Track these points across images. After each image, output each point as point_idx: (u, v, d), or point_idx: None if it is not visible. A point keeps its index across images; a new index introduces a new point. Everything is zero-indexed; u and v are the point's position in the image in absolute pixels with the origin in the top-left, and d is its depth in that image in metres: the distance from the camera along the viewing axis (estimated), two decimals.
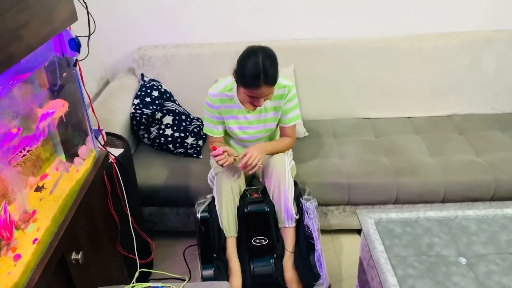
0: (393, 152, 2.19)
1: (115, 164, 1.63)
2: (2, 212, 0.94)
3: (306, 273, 1.70)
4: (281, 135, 1.91)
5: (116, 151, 1.73)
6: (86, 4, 1.26)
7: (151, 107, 2.25)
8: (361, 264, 1.64)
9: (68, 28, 1.23)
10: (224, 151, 1.69)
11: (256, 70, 1.59)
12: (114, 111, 2.15)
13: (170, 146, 2.23)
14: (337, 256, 2.11)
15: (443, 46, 2.39)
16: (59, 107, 1.24)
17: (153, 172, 2.11)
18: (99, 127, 1.56)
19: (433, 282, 1.31)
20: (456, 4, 2.40)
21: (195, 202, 2.01)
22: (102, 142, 1.59)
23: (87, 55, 1.37)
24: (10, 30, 0.92)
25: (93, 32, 1.33)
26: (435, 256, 1.41)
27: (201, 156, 2.25)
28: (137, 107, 2.25)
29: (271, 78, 1.61)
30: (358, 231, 2.22)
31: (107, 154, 1.52)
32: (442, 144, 2.23)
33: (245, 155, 1.69)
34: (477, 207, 1.62)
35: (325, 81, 2.46)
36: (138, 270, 1.50)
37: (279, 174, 1.74)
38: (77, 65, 1.31)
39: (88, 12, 1.28)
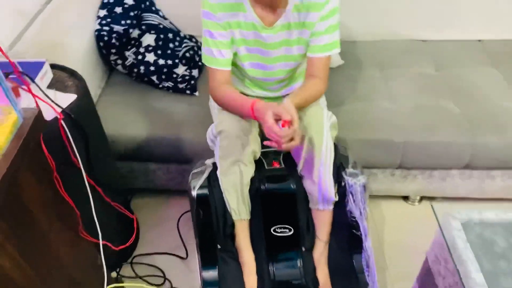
0: (463, 94, 1.58)
1: (62, 122, 1.04)
2: None
3: (343, 276, 1.21)
4: (308, 73, 1.23)
5: (66, 98, 1.12)
6: None
7: (123, 22, 1.57)
8: (428, 273, 1.14)
9: None
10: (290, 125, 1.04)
11: None
12: (68, 30, 1.47)
13: (154, 78, 1.60)
14: (377, 232, 1.61)
15: None
16: None
17: (130, 117, 1.51)
18: (14, 68, 0.93)
19: None
20: None
21: (189, 158, 1.47)
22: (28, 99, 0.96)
23: None
24: None
25: None
26: None
27: (196, 93, 1.63)
28: (104, 22, 1.57)
29: None
30: (404, 197, 1.71)
31: (40, 113, 0.92)
32: None
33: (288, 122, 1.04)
34: None
35: None
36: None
37: (314, 135, 1.16)
38: None
39: None
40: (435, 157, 1.47)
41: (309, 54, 1.19)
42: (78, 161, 1.07)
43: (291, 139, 1.05)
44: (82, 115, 1.12)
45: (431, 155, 1.47)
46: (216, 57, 1.17)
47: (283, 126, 1.03)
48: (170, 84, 1.61)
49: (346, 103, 1.55)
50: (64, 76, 1.21)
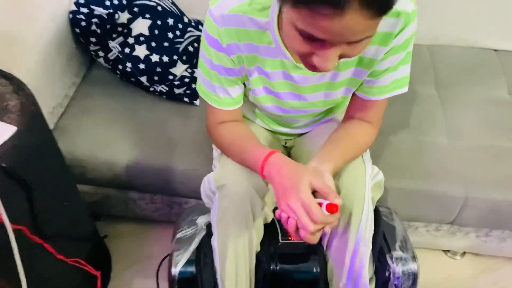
0: None
1: None
2: None
3: None
4: (356, 115, 0.86)
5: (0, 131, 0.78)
6: None
7: (108, 2, 1.19)
8: None
9: None
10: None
11: None
12: (32, 10, 1.10)
13: (143, 79, 1.24)
14: None
15: None
16: None
17: (107, 134, 1.16)
18: None
19: None
20: None
21: (179, 192, 1.15)
22: None
23: None
24: None
25: None
26: None
27: (197, 102, 1.27)
28: (82, 2, 1.19)
29: None
30: (445, 250, 1.37)
31: None
32: None
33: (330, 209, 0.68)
34: None
35: None
36: None
37: (350, 202, 0.82)
38: None
39: None
40: (503, 217, 1.12)
41: (365, 97, 0.82)
42: (7, 227, 0.74)
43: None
44: (27, 154, 0.78)
45: (497, 215, 1.12)
46: (219, 95, 0.81)
47: (329, 210, 0.67)
48: (164, 88, 1.25)
49: (390, 133, 1.19)
50: (6, 91, 0.85)
